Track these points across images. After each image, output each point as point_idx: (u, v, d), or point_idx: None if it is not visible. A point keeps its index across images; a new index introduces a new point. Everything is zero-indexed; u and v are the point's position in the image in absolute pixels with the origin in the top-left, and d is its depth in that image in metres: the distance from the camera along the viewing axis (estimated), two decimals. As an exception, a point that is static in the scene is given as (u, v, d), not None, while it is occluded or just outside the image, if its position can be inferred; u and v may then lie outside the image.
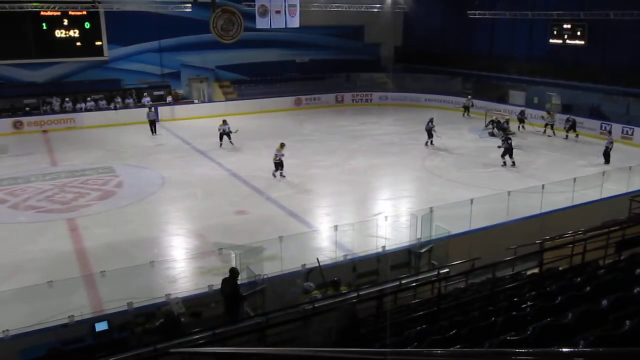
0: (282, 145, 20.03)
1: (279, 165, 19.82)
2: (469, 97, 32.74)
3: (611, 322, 4.46)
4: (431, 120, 25.34)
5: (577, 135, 26.37)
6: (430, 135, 25.09)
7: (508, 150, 21.38)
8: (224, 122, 24.86)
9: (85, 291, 11.75)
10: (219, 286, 10.70)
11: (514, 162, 21.38)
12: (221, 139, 24.61)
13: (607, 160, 21.82)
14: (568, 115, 27.01)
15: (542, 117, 28.09)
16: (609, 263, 8.63)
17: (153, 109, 28.42)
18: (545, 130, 27.47)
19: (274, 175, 19.83)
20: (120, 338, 9.51)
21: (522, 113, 28.72)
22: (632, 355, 1.75)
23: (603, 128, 26.36)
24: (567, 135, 26.49)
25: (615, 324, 4.33)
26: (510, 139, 21.88)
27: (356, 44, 39.57)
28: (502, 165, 21.36)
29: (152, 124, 27.47)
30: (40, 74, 30.84)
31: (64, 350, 9.10)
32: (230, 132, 24.48)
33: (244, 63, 35.96)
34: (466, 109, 32.31)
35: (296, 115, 32.90)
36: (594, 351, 2.05)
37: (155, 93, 32.62)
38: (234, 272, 10.31)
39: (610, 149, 21.96)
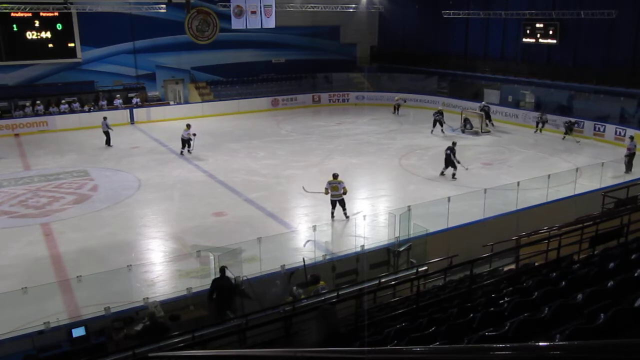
0: (335, 176, 15.86)
1: (341, 203, 15.62)
2: (400, 97, 32.96)
3: (586, 315, 4.54)
4: (440, 112, 27.37)
5: (578, 142, 25.29)
6: (441, 124, 26.91)
7: (446, 162, 19.64)
8: (188, 126, 23.78)
9: (61, 297, 11.57)
10: (198, 289, 10.65)
11: (452, 174, 19.65)
12: (184, 146, 23.56)
13: (629, 168, 20.09)
14: (569, 119, 26.38)
15: (538, 119, 27.46)
16: (583, 258, 8.78)
17: (106, 119, 26.03)
18: (537, 129, 27.30)
19: (333, 216, 15.72)
20: (98, 343, 9.39)
21: (487, 107, 29.05)
22: (607, 347, 1.79)
23: (618, 133, 25.16)
24: (564, 137, 25.86)
25: (590, 318, 4.42)
26: (451, 149, 19.61)
27: (332, 44, 39.67)
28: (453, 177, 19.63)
29: (107, 135, 25.52)
30: (12, 76, 30.26)
31: (40, 358, 8.95)
32: (192, 138, 23.44)
33: (220, 64, 35.79)
34: (396, 108, 32.47)
35: (273, 116, 32.84)
36: (570, 344, 2.09)
37: (130, 95, 32.27)
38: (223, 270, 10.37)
39: (633, 156, 20.24)
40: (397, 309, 8.32)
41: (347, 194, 15.76)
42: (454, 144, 20.10)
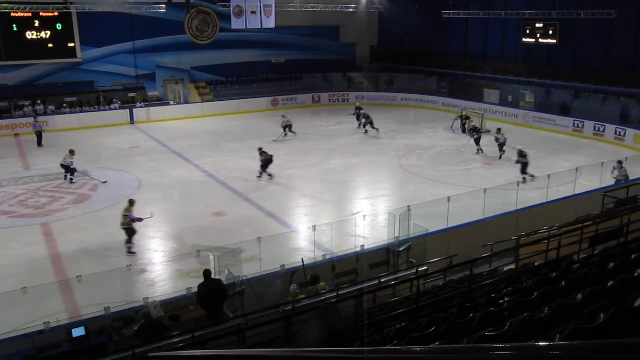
0: (132, 203, 14.40)
1: (131, 232, 14.07)
2: (285, 113, 28.44)
3: (586, 315, 4.54)
4: (475, 130, 24.62)
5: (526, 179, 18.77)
6: (479, 136, 23.52)
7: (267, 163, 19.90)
8: (72, 153, 20.20)
9: (61, 297, 11.57)
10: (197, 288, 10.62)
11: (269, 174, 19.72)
12: (68, 171, 20.04)
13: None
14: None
15: (497, 140, 22.50)
16: (583, 258, 8.78)
17: (38, 119, 26.25)
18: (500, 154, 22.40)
19: (130, 249, 13.98)
20: (98, 343, 9.38)
21: (358, 109, 28.92)
22: (607, 347, 1.79)
23: (618, 133, 25.10)
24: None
25: (590, 318, 4.41)
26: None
27: (332, 44, 39.68)
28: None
29: (39, 135, 25.44)
30: (12, 76, 30.27)
31: (40, 358, 8.94)
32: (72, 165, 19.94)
33: (220, 64, 35.80)
34: (285, 129, 26.83)
35: (273, 116, 32.77)
36: (570, 344, 2.09)
37: (130, 95, 32.29)
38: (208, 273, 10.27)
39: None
40: (397, 309, 8.32)
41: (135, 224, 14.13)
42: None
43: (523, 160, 19.16)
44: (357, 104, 30.41)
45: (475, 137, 23.20)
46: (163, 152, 24.51)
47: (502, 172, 20.74)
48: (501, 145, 22.22)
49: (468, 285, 8.37)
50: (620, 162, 17.31)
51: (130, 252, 13.95)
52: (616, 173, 17.20)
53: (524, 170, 19.00)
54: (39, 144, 25.61)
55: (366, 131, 27.53)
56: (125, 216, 14.03)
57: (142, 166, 21.93)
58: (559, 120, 27.80)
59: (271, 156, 20.05)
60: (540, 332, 4.71)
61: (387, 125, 29.78)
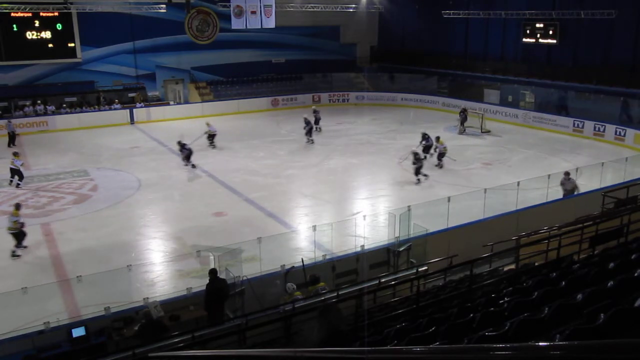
0: (18, 207, 14.49)
1: (20, 235, 14.04)
2: (209, 122, 25.97)
3: (586, 315, 4.54)
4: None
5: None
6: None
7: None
8: (16, 155, 20.16)
9: (62, 297, 11.57)
10: (198, 288, 10.63)
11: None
12: (16, 175, 19.55)
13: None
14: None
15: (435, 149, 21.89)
16: (583, 258, 8.78)
17: (11, 121, 26.33)
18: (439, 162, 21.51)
19: (15, 252, 13.89)
20: (98, 343, 9.39)
21: (315, 112, 27.25)
22: (607, 347, 1.79)
23: (618, 133, 25.15)
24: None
25: (590, 318, 4.41)
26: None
27: (332, 44, 39.68)
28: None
29: (11, 136, 25.51)
30: (12, 76, 30.26)
31: (40, 358, 8.95)
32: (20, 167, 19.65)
33: (220, 64, 35.81)
34: (210, 138, 25.06)
35: (273, 116, 32.83)
36: (570, 344, 2.09)
37: (131, 95, 32.30)
38: (215, 272, 10.30)
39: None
40: (397, 309, 8.32)
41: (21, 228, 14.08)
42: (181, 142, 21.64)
43: (418, 164, 19.32)
44: (314, 107, 28.55)
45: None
46: (163, 152, 24.51)
47: (502, 172, 20.74)
48: (441, 155, 21.27)
49: (468, 285, 8.37)
50: (567, 174, 16.55)
51: (15, 255, 13.81)
52: (568, 185, 16.37)
53: (417, 172, 19.32)
54: (9, 144, 25.28)
55: (312, 141, 25.58)
56: (14, 222, 13.96)
57: (142, 166, 21.94)
58: (559, 120, 27.80)
59: (190, 148, 21.42)
60: (540, 332, 4.71)
61: (387, 125, 29.81)
